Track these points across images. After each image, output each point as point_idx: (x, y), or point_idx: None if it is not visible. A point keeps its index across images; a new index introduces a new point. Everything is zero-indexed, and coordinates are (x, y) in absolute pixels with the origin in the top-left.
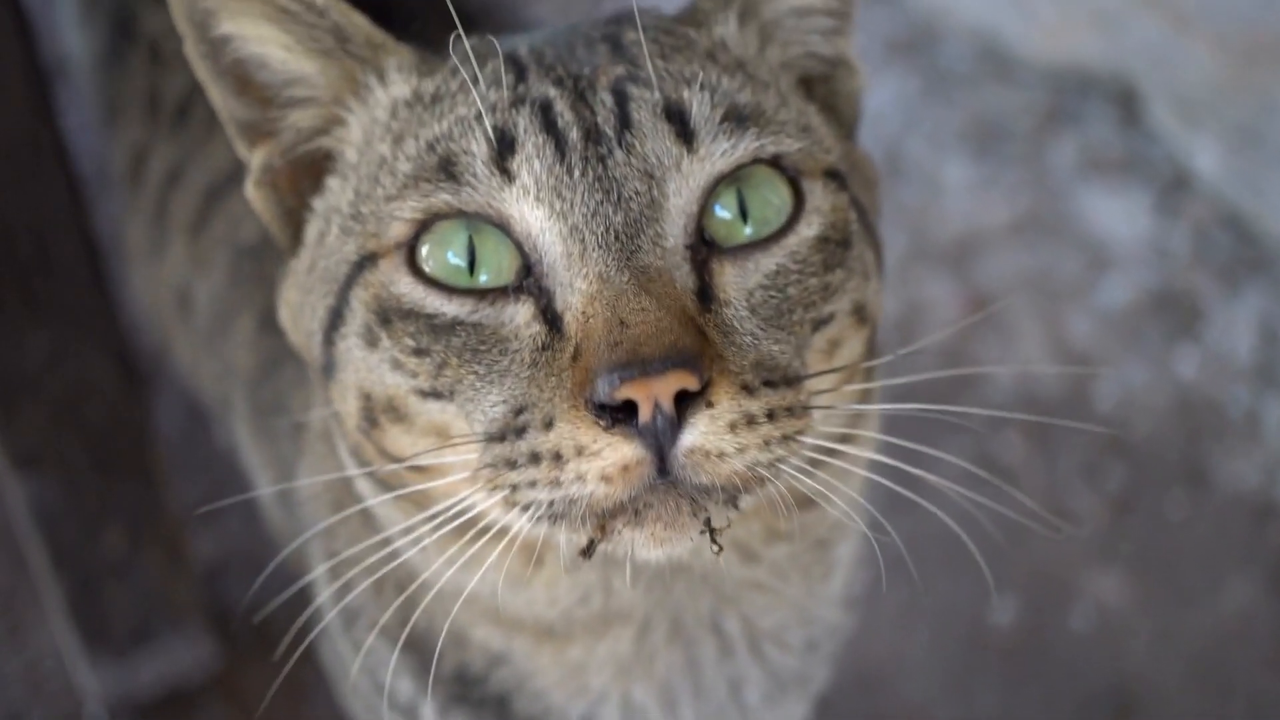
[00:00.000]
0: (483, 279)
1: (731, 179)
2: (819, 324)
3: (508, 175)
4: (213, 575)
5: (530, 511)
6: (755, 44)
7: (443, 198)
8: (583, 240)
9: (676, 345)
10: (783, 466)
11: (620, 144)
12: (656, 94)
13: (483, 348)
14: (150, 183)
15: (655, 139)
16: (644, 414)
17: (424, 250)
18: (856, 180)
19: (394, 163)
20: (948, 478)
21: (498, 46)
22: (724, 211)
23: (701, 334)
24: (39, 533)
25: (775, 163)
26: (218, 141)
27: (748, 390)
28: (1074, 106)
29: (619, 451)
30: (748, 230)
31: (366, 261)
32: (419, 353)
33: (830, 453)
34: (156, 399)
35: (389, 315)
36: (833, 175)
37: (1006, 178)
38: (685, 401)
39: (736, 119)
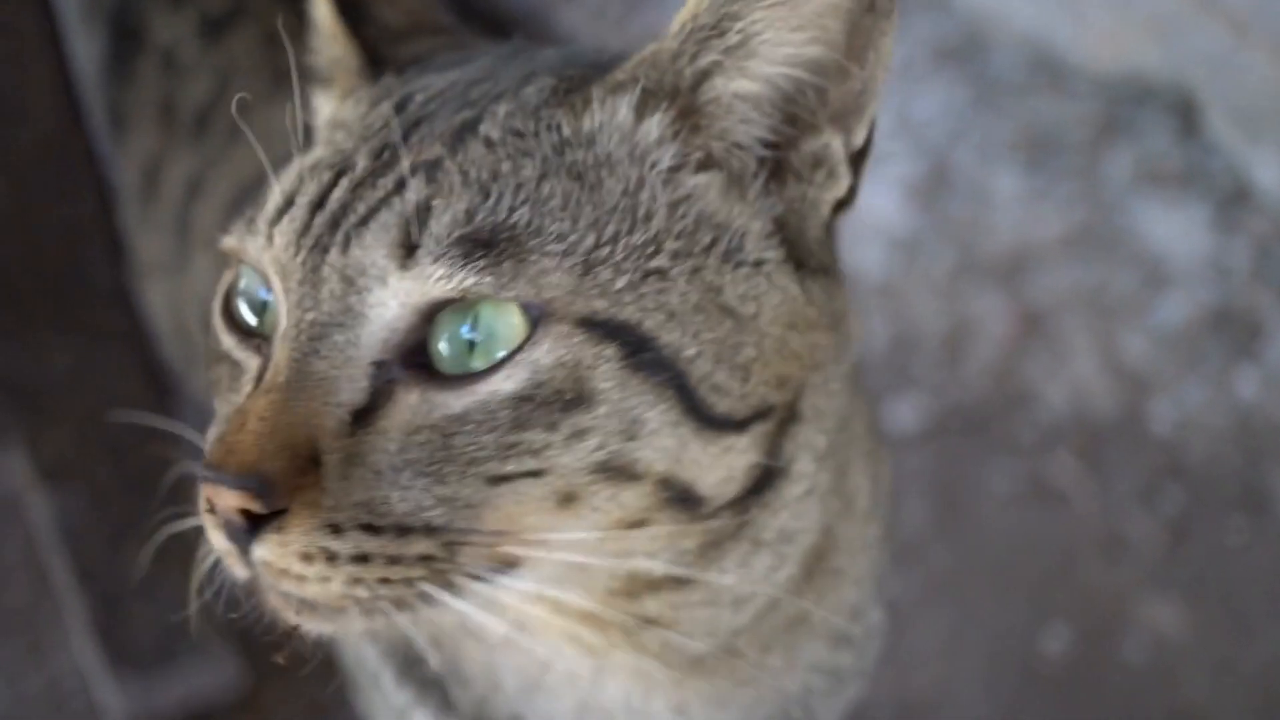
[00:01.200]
0: (253, 322)
1: (466, 304)
2: (498, 479)
3: (270, 240)
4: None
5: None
6: (652, 136)
7: (240, 240)
8: (288, 325)
9: (255, 467)
10: (386, 607)
11: (342, 240)
12: (419, 196)
13: (226, 389)
14: (168, 195)
15: (372, 245)
16: (219, 515)
17: (240, 282)
18: (729, 324)
19: (273, 182)
20: (997, 500)
21: (413, 84)
22: (442, 340)
23: (297, 462)
24: (63, 548)
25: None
26: (241, 150)
27: (334, 529)
28: (1129, 117)
29: (214, 535)
30: (473, 362)
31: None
32: (207, 365)
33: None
34: (180, 414)
35: (206, 319)
36: (592, 325)
37: (1059, 190)
38: (262, 519)
39: (476, 243)
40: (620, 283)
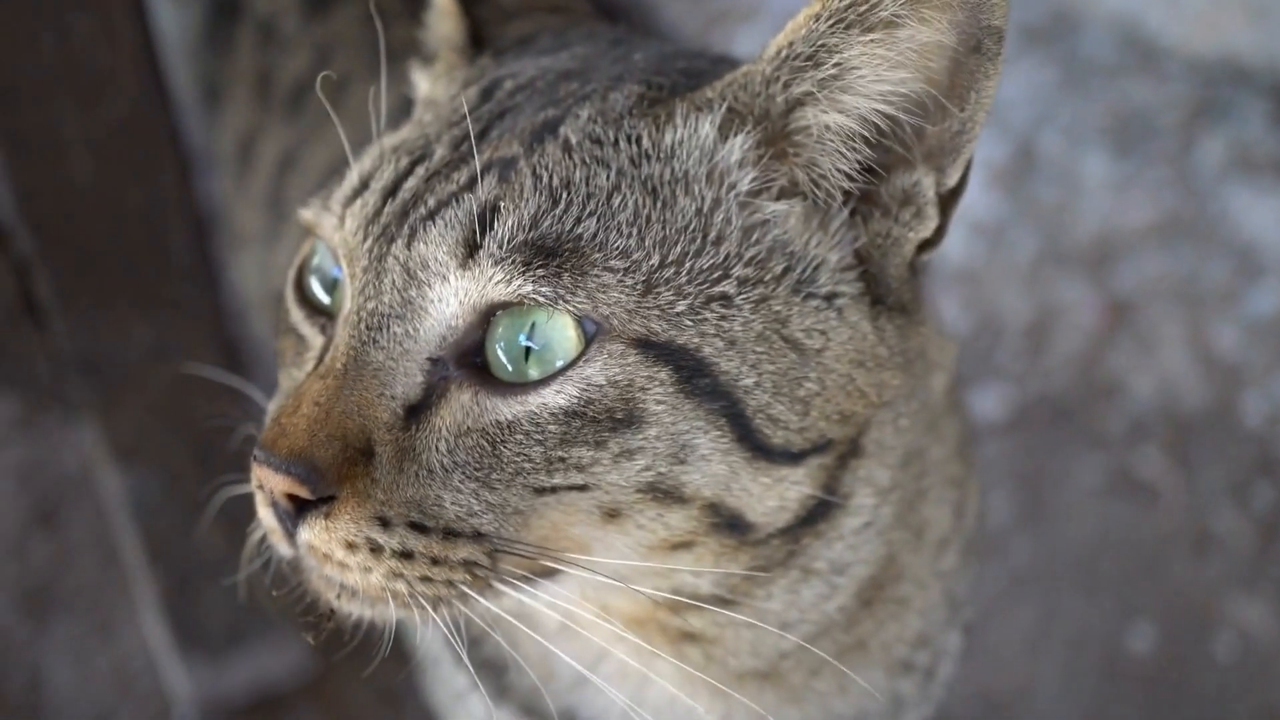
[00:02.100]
0: (324, 299)
1: (527, 308)
2: (544, 490)
3: (343, 221)
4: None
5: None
6: (734, 157)
7: (317, 215)
8: (350, 311)
9: (305, 453)
10: (423, 603)
11: (408, 233)
12: (489, 194)
13: (290, 362)
14: (261, 168)
15: (437, 241)
16: (267, 494)
17: (314, 259)
18: (792, 357)
19: (354, 158)
20: (1082, 493)
21: (503, 70)
22: (499, 344)
23: (348, 452)
24: (134, 527)
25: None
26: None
27: (382, 523)
28: (1223, 101)
29: (263, 512)
30: (529, 370)
31: (304, 234)
32: (276, 334)
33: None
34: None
35: (280, 290)
36: (647, 346)
37: (1149, 176)
38: (310, 503)
39: (538, 250)
40: (681, 305)
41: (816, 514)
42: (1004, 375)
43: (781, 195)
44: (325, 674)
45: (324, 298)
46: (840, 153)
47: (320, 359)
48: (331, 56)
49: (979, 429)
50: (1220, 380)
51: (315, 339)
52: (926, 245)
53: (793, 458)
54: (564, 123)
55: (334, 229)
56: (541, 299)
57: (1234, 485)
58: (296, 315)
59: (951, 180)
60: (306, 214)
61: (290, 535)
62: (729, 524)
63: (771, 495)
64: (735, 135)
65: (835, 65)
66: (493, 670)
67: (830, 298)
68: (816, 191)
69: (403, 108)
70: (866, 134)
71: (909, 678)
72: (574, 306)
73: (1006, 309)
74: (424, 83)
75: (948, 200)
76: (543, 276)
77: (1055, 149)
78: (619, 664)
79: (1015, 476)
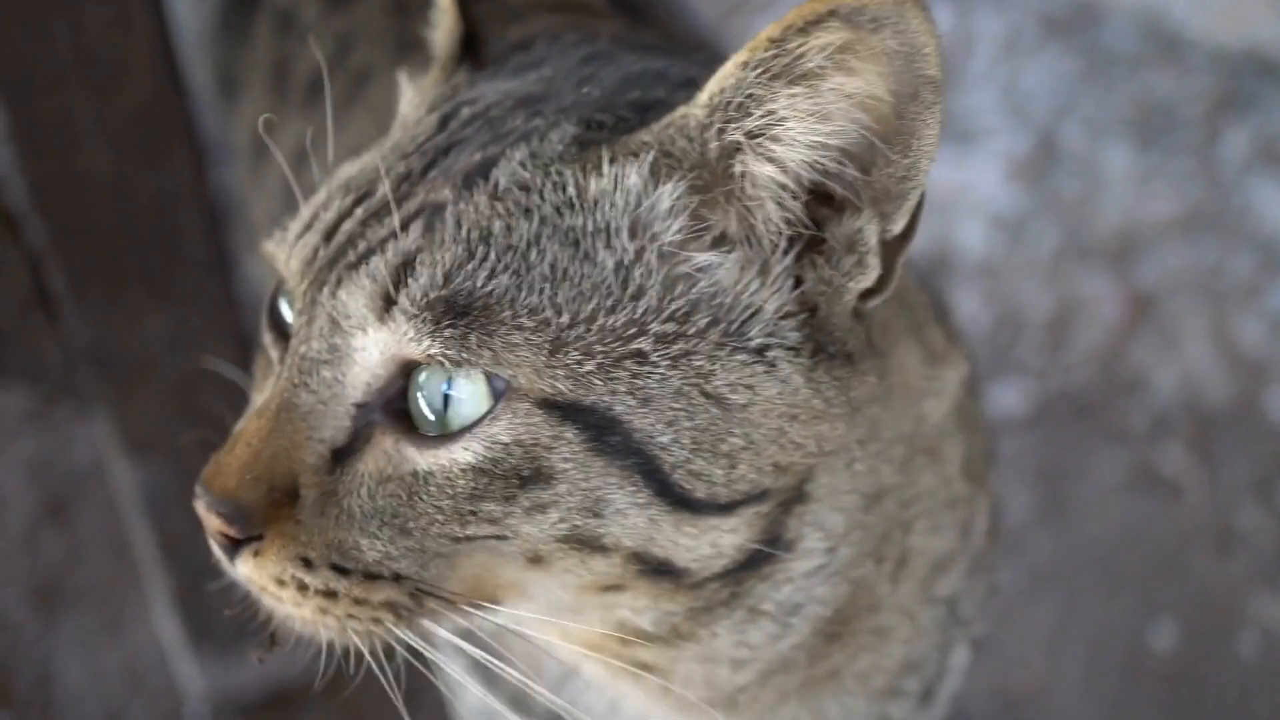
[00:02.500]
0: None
1: (440, 365)
2: (459, 539)
3: (289, 259)
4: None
5: None
6: (662, 206)
7: (276, 248)
8: (288, 351)
9: (234, 495)
10: (353, 636)
11: (335, 281)
12: (412, 244)
13: (258, 384)
14: (278, 160)
15: (358, 292)
16: (206, 528)
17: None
18: (713, 412)
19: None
20: (1104, 489)
21: (469, 93)
22: (420, 392)
23: (274, 494)
24: (147, 521)
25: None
26: (356, 116)
27: (306, 563)
28: (1248, 92)
29: (212, 540)
30: (449, 421)
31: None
32: (256, 350)
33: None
34: None
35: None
36: (553, 406)
37: (1172, 168)
38: (240, 541)
39: (449, 308)
40: (589, 365)
41: (759, 558)
42: (1024, 370)
43: (715, 244)
44: (338, 673)
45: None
46: (777, 202)
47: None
48: (352, 48)
49: (999, 425)
50: (1244, 375)
51: (278, 365)
52: (870, 294)
53: (721, 509)
54: (498, 165)
55: (283, 266)
56: (451, 359)
57: (1258, 481)
58: (267, 337)
59: (897, 227)
60: (268, 246)
61: (231, 564)
62: (657, 570)
63: (702, 544)
64: (665, 182)
65: (764, 115)
66: (497, 657)
67: (761, 350)
68: (753, 239)
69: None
70: (802, 183)
71: (899, 701)
72: (481, 366)
73: (1027, 303)
74: (408, 92)
75: (894, 248)
76: (450, 337)
77: (1077, 141)
78: (587, 679)
79: (1035, 472)
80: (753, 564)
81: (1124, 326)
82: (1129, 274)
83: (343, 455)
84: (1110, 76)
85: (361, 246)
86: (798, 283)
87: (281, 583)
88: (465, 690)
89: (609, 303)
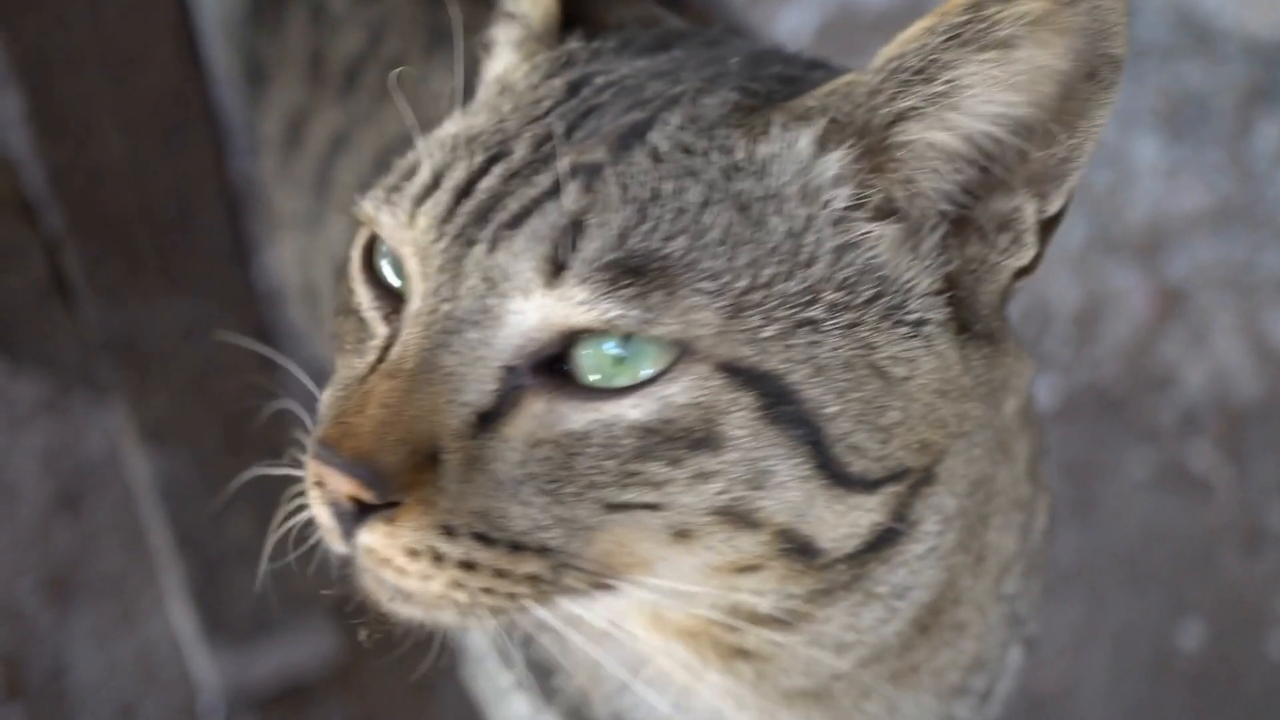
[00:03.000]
0: (395, 283)
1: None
2: (615, 507)
3: (413, 218)
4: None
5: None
6: (830, 173)
7: (376, 211)
8: (421, 310)
9: (371, 456)
10: (483, 613)
11: (490, 239)
12: (575, 205)
13: (350, 348)
14: (311, 149)
15: (520, 254)
16: (327, 493)
17: (382, 244)
18: (877, 384)
19: (423, 140)
20: (1131, 486)
21: (595, 64)
22: (583, 351)
23: (415, 458)
24: (163, 512)
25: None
26: (390, 110)
27: (447, 531)
28: None
29: (319, 509)
30: (616, 377)
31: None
32: (335, 315)
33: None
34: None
35: (342, 268)
36: (733, 371)
37: (1203, 160)
38: (369, 506)
39: (625, 270)
40: (769, 331)
41: (884, 540)
42: (1051, 364)
43: (875, 215)
44: (354, 664)
45: (396, 281)
46: (940, 172)
47: (383, 352)
48: (384, 37)
49: None
50: (1275, 371)
51: (379, 327)
52: (1022, 273)
53: (869, 485)
54: (652, 128)
55: (401, 226)
56: (630, 324)
57: None
58: (363, 296)
59: (1053, 208)
60: (366, 209)
61: (348, 536)
62: (799, 549)
63: (844, 523)
64: (834, 149)
65: (946, 82)
66: (541, 672)
67: (918, 324)
68: (911, 211)
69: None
70: (970, 155)
71: (964, 700)
72: (662, 330)
73: (1054, 296)
74: (499, 62)
75: (1047, 227)
76: (631, 298)
77: (1106, 133)
78: (659, 673)
79: (1062, 469)
80: (876, 546)
81: (1153, 321)
82: (1158, 267)
83: (488, 419)
84: (1140, 67)
85: (513, 206)
86: (949, 260)
87: (414, 553)
88: (508, 703)
89: (785, 269)
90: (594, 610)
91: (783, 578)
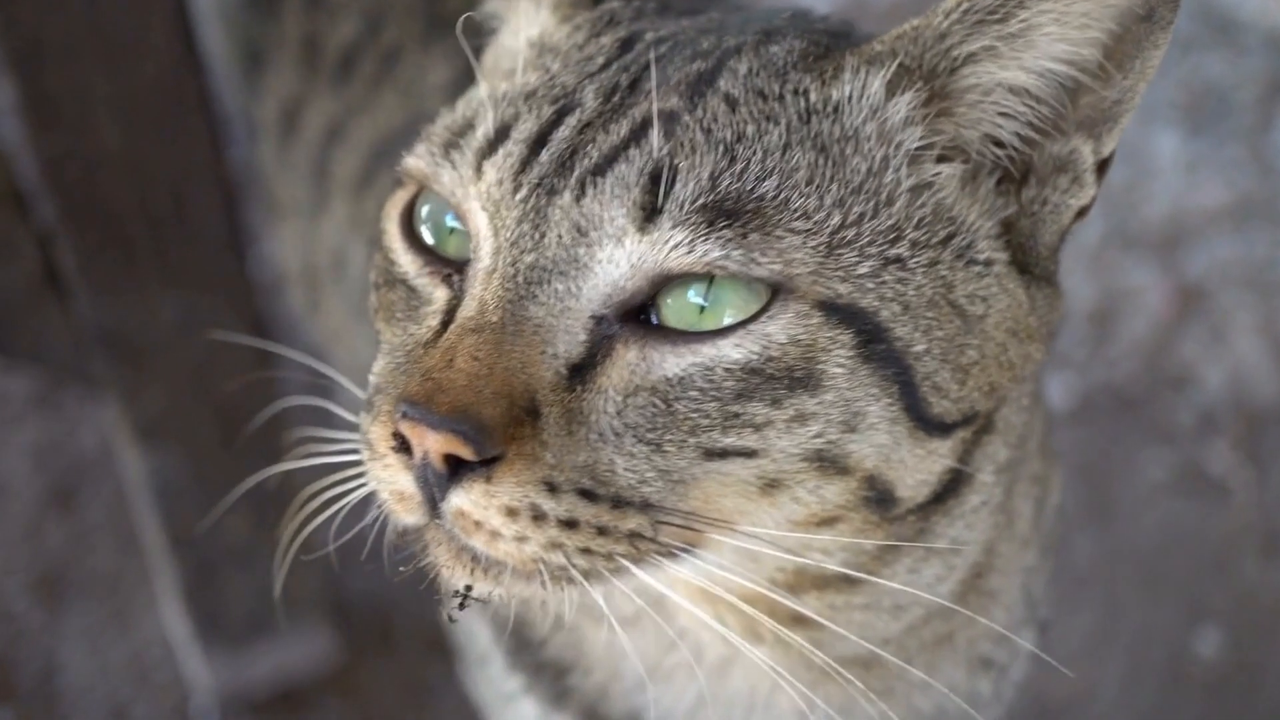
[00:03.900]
0: (448, 249)
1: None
2: (714, 454)
3: (479, 172)
4: (334, 562)
5: (367, 488)
6: (900, 115)
7: (432, 166)
8: (497, 263)
9: (468, 410)
10: (577, 576)
11: (576, 186)
12: (659, 152)
13: (402, 315)
14: (307, 138)
15: (610, 200)
16: (415, 456)
17: (423, 208)
18: (957, 323)
19: (463, 101)
20: (1148, 489)
21: (641, 22)
22: (667, 299)
23: (514, 411)
24: (156, 511)
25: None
26: (386, 96)
27: (550, 487)
28: None
29: (395, 476)
30: (703, 321)
31: (396, 181)
32: (375, 288)
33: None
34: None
35: (377, 240)
36: (831, 308)
37: (1223, 155)
38: (466, 465)
39: (720, 211)
40: (863, 268)
41: (948, 490)
42: (1067, 363)
43: (942, 157)
44: (351, 666)
45: (430, 240)
46: (1009, 112)
47: (448, 313)
48: (382, 24)
49: None
50: None
51: (435, 290)
52: (1082, 213)
53: (945, 429)
54: (720, 76)
55: (465, 181)
56: (732, 265)
57: None
58: (410, 264)
59: (1107, 149)
60: (416, 163)
61: (432, 502)
62: (879, 498)
63: (922, 468)
64: (903, 92)
65: (1022, 21)
66: (554, 672)
67: (988, 264)
68: (972, 153)
69: (458, 83)
70: (1038, 94)
71: (987, 675)
72: (763, 270)
73: (1071, 293)
74: (531, 25)
75: (1100, 169)
76: (730, 239)
77: (1125, 127)
78: (693, 652)
79: (1077, 470)
80: (941, 497)
81: (1170, 319)
82: (1176, 265)
83: (581, 370)
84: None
85: (595, 155)
86: (1006, 204)
87: (513, 512)
88: (514, 708)
89: (870, 206)
90: (666, 576)
91: (858, 531)
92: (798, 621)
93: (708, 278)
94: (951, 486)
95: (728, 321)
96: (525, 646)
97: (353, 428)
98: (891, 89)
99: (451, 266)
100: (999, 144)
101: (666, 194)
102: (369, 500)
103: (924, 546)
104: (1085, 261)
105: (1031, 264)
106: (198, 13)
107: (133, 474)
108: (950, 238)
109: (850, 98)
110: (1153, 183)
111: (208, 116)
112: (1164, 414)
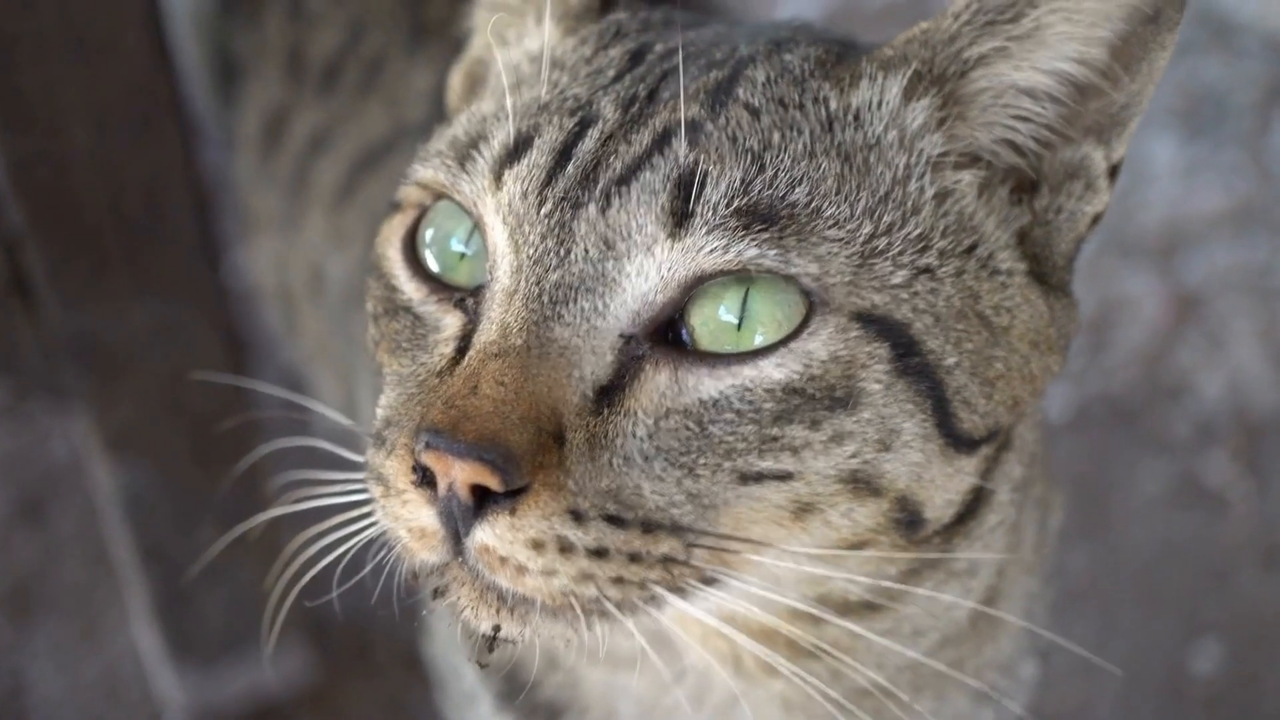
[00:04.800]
0: (455, 275)
1: (740, 277)
2: (748, 478)
3: (499, 182)
4: (311, 580)
5: (380, 528)
6: (918, 121)
7: (449, 176)
8: (519, 283)
9: (495, 438)
10: (610, 609)
11: (601, 198)
12: (685, 159)
13: (408, 345)
14: (289, 148)
15: (638, 209)
16: (440, 489)
17: (426, 232)
18: (984, 335)
19: (465, 117)
20: (1145, 500)
21: (648, 35)
22: (697, 317)
23: (541, 438)
24: (127, 524)
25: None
26: (371, 107)
27: (575, 516)
28: None
29: (418, 512)
30: (736, 343)
31: (392, 207)
32: (375, 319)
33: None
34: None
35: (373, 267)
36: (868, 321)
37: (1222, 160)
38: (490, 497)
39: (755, 216)
40: (897, 278)
41: (969, 511)
42: (1062, 374)
43: (960, 163)
44: (328, 685)
45: (450, 269)
46: (1024, 114)
47: (462, 339)
48: (365, 33)
49: None
50: None
51: (446, 317)
52: (1096, 219)
53: (972, 445)
54: (738, 85)
55: (484, 191)
56: (771, 262)
57: None
58: (414, 291)
59: (1118, 154)
60: (429, 174)
61: (456, 538)
62: (909, 520)
63: (950, 486)
64: (919, 98)
65: (1033, 20)
66: (547, 713)
67: (1010, 274)
68: (988, 159)
69: (443, 91)
70: (1050, 96)
71: (989, 708)
72: (802, 271)
73: None
74: (532, 39)
75: (1113, 174)
76: (767, 240)
77: None
78: (692, 692)
79: (1073, 482)
80: (962, 518)
81: (1168, 327)
82: (1174, 272)
83: (608, 392)
84: None
85: (619, 165)
86: (1020, 214)
87: (539, 546)
88: None
89: (899, 215)
90: (693, 609)
91: (886, 553)
92: (817, 652)
93: (741, 292)
94: (972, 507)
95: (760, 341)
96: (518, 688)
97: (342, 464)
98: (908, 95)
99: (462, 291)
100: (1013, 148)
101: (697, 197)
102: (370, 542)
103: (945, 570)
104: (1081, 269)
105: (1048, 274)
106: (170, 15)
107: (103, 487)
108: (974, 247)
109: (870, 104)
110: (1149, 188)
111: (180, 120)
112: (1161, 424)
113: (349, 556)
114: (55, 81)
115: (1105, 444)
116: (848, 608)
